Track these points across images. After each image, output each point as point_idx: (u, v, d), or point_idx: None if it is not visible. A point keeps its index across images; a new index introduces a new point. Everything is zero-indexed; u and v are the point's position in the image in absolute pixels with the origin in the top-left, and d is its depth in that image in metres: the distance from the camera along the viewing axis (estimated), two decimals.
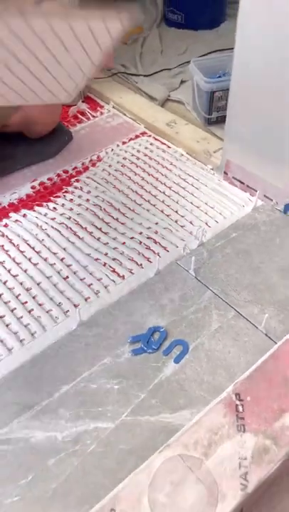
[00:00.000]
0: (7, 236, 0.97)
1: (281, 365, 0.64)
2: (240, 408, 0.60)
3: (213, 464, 0.55)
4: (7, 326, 0.81)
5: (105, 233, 0.97)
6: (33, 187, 1.09)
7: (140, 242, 0.94)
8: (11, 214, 1.02)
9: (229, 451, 0.56)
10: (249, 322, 0.79)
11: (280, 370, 0.63)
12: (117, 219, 1.00)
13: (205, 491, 0.53)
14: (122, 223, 0.99)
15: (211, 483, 0.54)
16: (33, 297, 0.85)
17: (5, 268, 0.90)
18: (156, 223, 0.98)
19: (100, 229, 0.98)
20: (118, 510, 0.52)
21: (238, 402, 0.60)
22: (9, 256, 0.93)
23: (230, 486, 0.54)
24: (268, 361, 0.64)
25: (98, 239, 0.95)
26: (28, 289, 0.86)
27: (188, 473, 0.54)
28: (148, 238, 0.95)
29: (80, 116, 1.32)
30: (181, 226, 0.97)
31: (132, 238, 0.95)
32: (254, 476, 0.54)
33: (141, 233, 0.96)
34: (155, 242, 0.94)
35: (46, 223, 0.99)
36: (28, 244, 0.95)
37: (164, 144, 1.21)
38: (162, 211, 1.01)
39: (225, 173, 1.07)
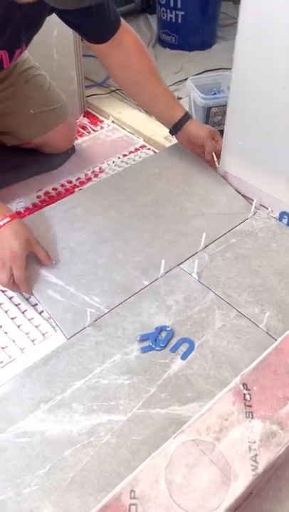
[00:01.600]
0: None
1: (284, 357, 0.68)
2: (247, 397, 0.64)
3: (224, 447, 0.59)
4: (18, 326, 0.85)
5: None
6: (38, 196, 1.14)
7: None
8: None
9: (239, 435, 0.60)
10: (250, 321, 0.84)
11: (284, 362, 0.67)
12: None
13: (218, 472, 0.57)
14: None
15: (223, 464, 0.57)
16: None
17: None
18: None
19: None
20: (138, 491, 0.55)
21: (245, 392, 0.64)
22: None
23: (242, 467, 0.57)
24: (272, 353, 0.68)
25: None
26: None
27: (202, 456, 0.58)
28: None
29: (81, 130, 1.37)
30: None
31: None
32: (263, 458, 0.58)
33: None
34: None
35: None
36: None
37: None
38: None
39: None
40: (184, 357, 0.78)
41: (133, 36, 0.98)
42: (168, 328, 0.82)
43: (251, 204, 1.06)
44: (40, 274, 0.88)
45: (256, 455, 0.58)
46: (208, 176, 1.11)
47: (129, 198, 1.04)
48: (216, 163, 1.08)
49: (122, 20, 0.96)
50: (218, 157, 1.10)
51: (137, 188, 1.06)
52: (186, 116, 1.04)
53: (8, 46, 0.83)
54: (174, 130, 1.06)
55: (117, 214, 1.00)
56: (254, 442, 0.59)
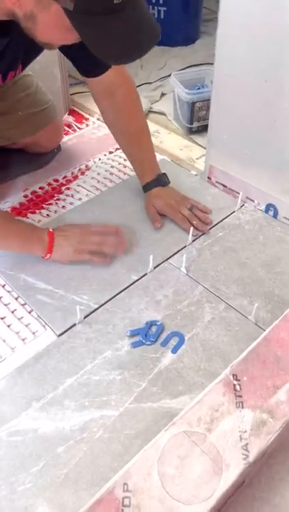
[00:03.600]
0: None
1: (273, 347, 0.69)
2: (237, 387, 0.64)
3: (216, 437, 0.59)
4: (8, 326, 0.84)
5: None
6: (25, 196, 1.13)
7: None
8: None
9: (230, 425, 0.60)
10: (239, 313, 0.84)
11: (272, 352, 0.68)
12: None
13: (210, 462, 0.57)
14: None
15: (215, 454, 0.58)
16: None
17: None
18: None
19: None
20: (130, 484, 0.55)
21: (235, 382, 0.65)
22: None
23: (233, 456, 0.58)
24: (261, 344, 0.69)
25: None
26: None
27: (194, 447, 0.59)
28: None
29: (66, 128, 1.37)
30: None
31: None
32: (254, 447, 0.59)
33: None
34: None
35: None
36: None
37: None
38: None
39: (208, 177, 1.14)
40: (174, 350, 0.79)
41: (127, 92, 0.98)
42: (158, 323, 0.82)
43: (237, 198, 1.06)
44: (29, 283, 0.90)
45: (247, 444, 0.59)
46: (192, 182, 1.14)
47: (115, 210, 1.07)
48: (190, 232, 0.97)
49: (124, 73, 0.96)
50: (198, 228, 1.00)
51: (122, 201, 1.09)
52: (154, 183, 1.03)
53: (3, 68, 0.83)
54: (144, 191, 1.05)
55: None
56: (245, 432, 0.60)
